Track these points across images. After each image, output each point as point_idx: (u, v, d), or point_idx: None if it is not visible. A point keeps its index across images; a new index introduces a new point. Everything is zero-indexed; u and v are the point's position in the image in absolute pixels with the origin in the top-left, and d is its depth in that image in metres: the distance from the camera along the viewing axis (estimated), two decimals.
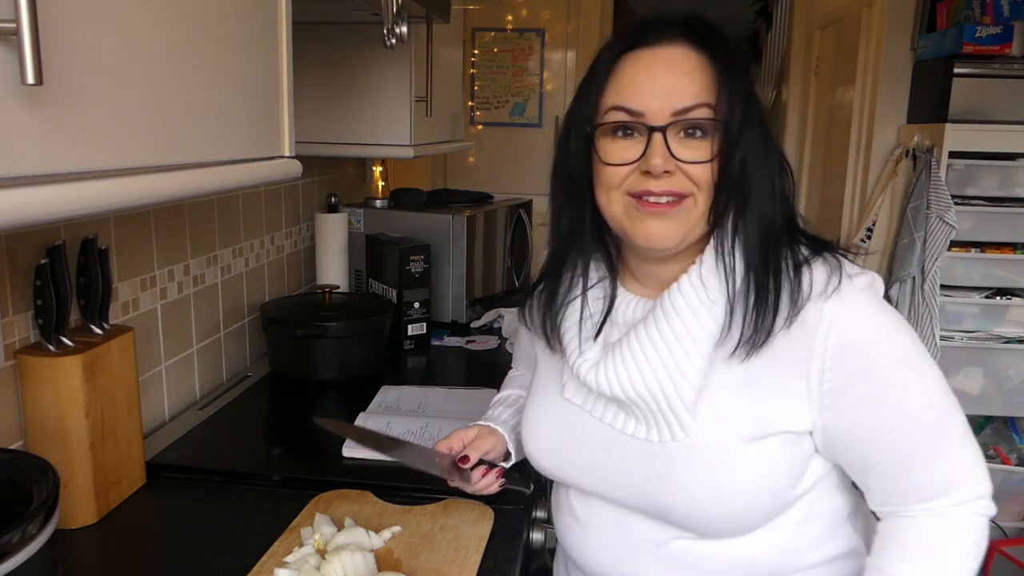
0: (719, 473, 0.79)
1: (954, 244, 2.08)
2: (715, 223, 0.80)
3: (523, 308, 0.96)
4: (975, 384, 2.17)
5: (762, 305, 0.77)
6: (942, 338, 2.09)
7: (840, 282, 0.77)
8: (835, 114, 2.96)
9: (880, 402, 0.78)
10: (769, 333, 0.77)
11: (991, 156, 2.10)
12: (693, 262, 0.82)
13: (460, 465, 0.96)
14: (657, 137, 0.77)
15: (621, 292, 0.89)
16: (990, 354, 2.16)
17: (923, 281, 2.09)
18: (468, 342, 1.88)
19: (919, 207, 2.09)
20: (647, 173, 0.78)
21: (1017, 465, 2.17)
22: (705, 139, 0.78)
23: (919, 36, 2.34)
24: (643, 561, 0.87)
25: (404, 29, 1.32)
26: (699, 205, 0.79)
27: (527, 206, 2.34)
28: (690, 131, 0.78)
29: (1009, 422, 2.26)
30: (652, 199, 0.79)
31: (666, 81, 0.78)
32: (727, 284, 0.79)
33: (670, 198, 0.79)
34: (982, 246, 2.13)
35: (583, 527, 0.92)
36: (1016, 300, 2.14)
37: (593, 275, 0.89)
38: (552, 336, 0.90)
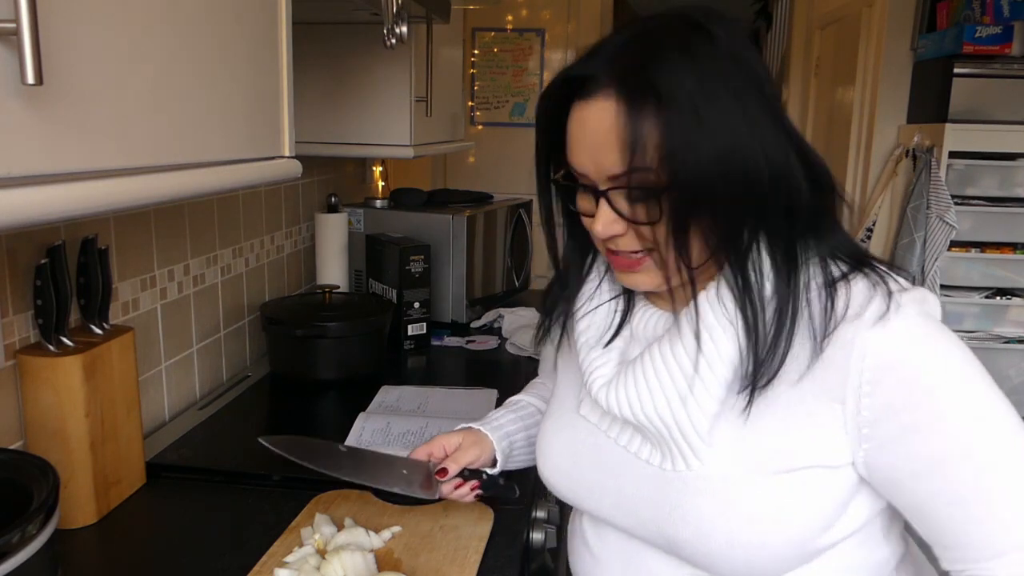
0: (736, 508, 0.72)
1: (954, 244, 2.09)
2: (725, 250, 0.71)
3: (544, 303, 0.90)
4: None
5: (780, 335, 0.70)
6: None
7: (888, 305, 0.68)
8: (835, 114, 2.95)
9: (927, 434, 0.68)
10: (781, 364, 0.70)
11: (991, 156, 2.10)
12: (712, 277, 0.74)
13: (437, 478, 0.93)
14: (602, 201, 0.71)
15: (641, 304, 0.82)
16: (990, 354, 2.16)
17: (923, 281, 2.09)
18: (468, 342, 1.88)
19: (919, 207, 2.09)
20: None
21: None
22: (652, 199, 0.69)
23: (919, 36, 2.35)
24: None
25: (404, 29, 1.32)
26: (667, 259, 0.71)
27: (527, 206, 2.34)
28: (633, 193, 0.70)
29: None
30: (619, 256, 0.74)
31: (594, 144, 0.69)
32: (746, 304, 0.71)
33: (631, 254, 0.73)
34: (982, 246, 2.14)
35: (595, 558, 0.87)
36: (1016, 300, 2.14)
37: (610, 287, 0.84)
38: (564, 334, 0.87)
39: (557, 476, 0.87)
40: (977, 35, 2.03)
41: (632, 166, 0.67)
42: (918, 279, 2.11)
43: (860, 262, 0.74)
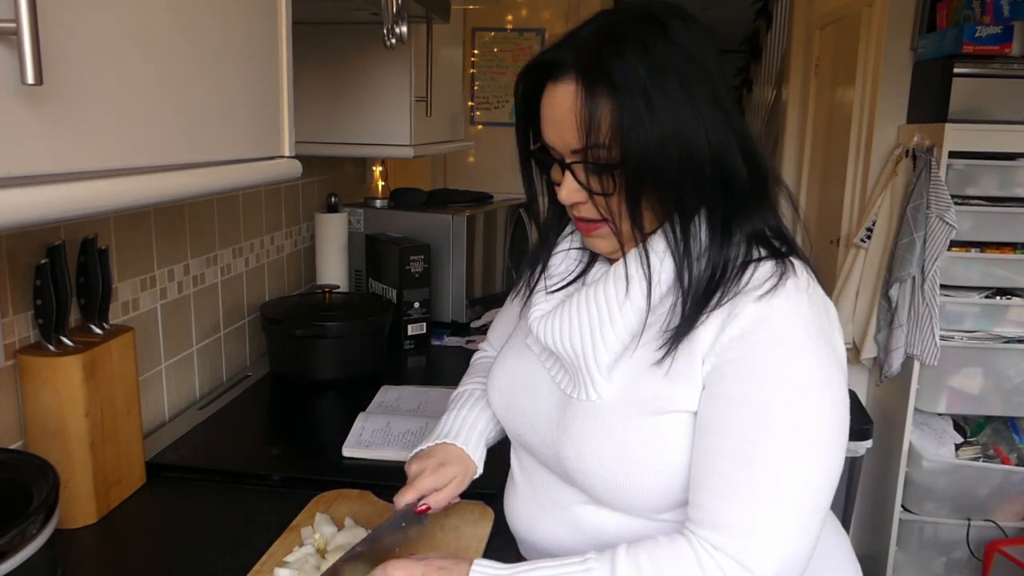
0: (613, 435, 0.80)
1: (954, 244, 2.08)
2: (670, 217, 0.79)
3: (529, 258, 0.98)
4: (975, 384, 2.16)
5: (705, 299, 0.77)
6: (942, 338, 2.09)
7: (777, 285, 0.76)
8: (835, 114, 2.95)
9: (728, 406, 0.75)
10: (692, 326, 0.77)
11: (991, 156, 2.10)
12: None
13: (418, 512, 0.91)
14: (567, 172, 0.80)
15: (601, 258, 0.90)
16: (990, 354, 2.15)
17: (923, 281, 2.09)
18: (468, 342, 1.88)
19: (919, 207, 2.09)
20: None
21: (1017, 465, 2.17)
22: (608, 173, 0.77)
23: (919, 36, 2.34)
24: (551, 522, 0.89)
25: (404, 29, 1.32)
26: (622, 228, 0.80)
27: (527, 206, 2.34)
28: (593, 166, 0.78)
29: (1009, 422, 2.25)
30: (579, 220, 0.83)
31: (559, 121, 0.78)
32: (684, 267, 0.79)
33: (590, 221, 0.82)
34: (982, 246, 2.13)
35: (515, 486, 0.96)
36: (1016, 300, 2.14)
37: (576, 240, 0.92)
38: (527, 285, 0.94)
39: (497, 396, 0.96)
40: (977, 35, 2.03)
41: (588, 143, 0.76)
42: (918, 279, 2.11)
43: (781, 248, 0.80)
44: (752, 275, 0.77)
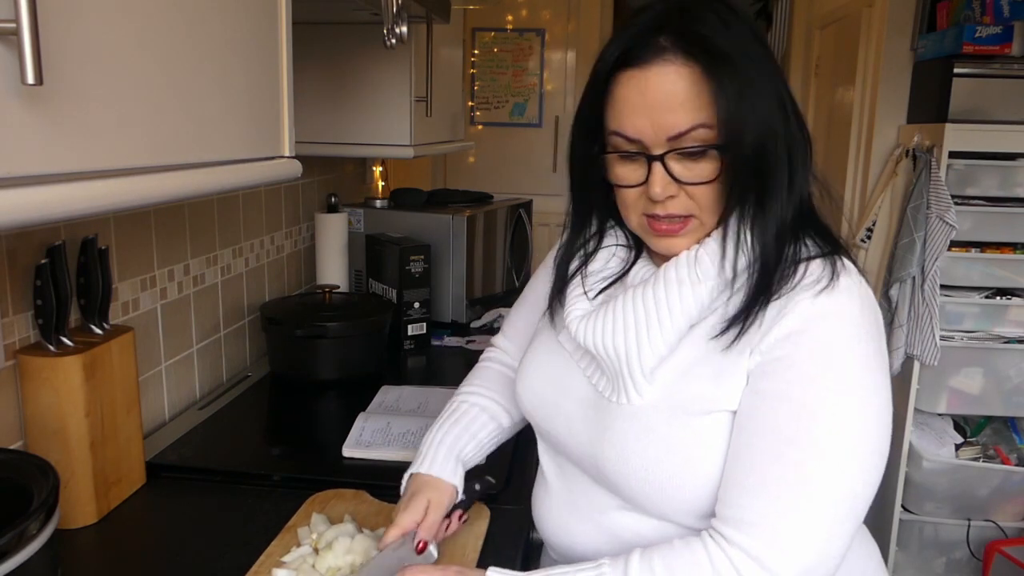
0: (655, 437, 0.78)
1: (954, 244, 2.08)
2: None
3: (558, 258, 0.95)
4: (975, 384, 2.16)
5: (759, 299, 0.76)
6: (942, 338, 2.09)
7: (830, 282, 0.75)
8: (835, 114, 2.95)
9: (768, 402, 0.74)
10: (748, 318, 0.76)
11: (991, 156, 2.10)
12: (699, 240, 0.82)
13: (418, 552, 0.88)
14: (656, 165, 0.77)
15: (643, 259, 0.89)
16: (990, 354, 2.15)
17: (923, 281, 2.09)
18: (468, 342, 1.88)
19: (919, 207, 2.09)
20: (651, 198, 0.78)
21: (1017, 465, 2.17)
22: (707, 158, 0.76)
23: (919, 36, 2.34)
24: (586, 527, 0.87)
25: (404, 29, 1.32)
26: (705, 224, 0.79)
27: (527, 206, 2.34)
28: (690, 153, 0.76)
29: (1009, 422, 2.25)
30: (661, 222, 0.80)
31: (657, 105, 0.75)
32: (723, 267, 0.78)
33: (677, 218, 0.79)
34: (982, 246, 2.13)
35: (547, 489, 0.94)
36: (1016, 300, 2.14)
37: (620, 236, 0.90)
38: (560, 285, 0.91)
39: (528, 394, 0.93)
40: (977, 35, 2.03)
41: (696, 123, 0.74)
42: (918, 279, 2.11)
43: (829, 248, 0.80)
44: (804, 272, 0.76)
